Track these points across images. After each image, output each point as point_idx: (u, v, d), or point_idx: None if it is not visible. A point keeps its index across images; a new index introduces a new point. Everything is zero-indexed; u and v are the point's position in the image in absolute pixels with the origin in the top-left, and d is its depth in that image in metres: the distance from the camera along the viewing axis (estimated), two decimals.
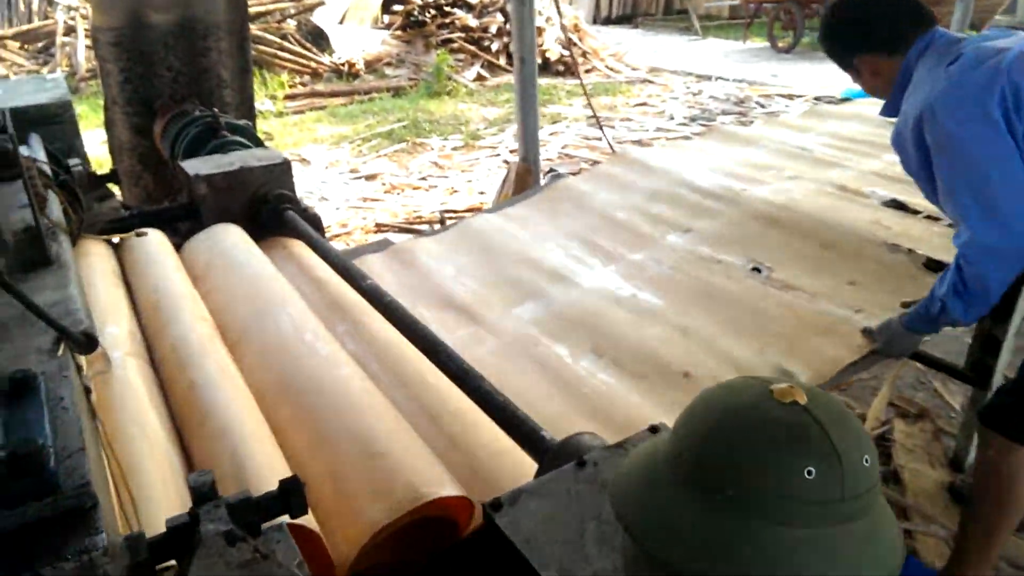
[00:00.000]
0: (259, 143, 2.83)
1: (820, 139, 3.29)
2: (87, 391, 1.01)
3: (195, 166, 2.30)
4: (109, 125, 3.21)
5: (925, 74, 1.51)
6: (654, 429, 1.04)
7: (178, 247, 2.13)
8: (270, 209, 2.27)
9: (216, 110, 2.84)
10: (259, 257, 2.00)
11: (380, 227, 4.13)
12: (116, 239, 2.02)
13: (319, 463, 1.21)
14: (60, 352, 0.94)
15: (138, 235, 1.71)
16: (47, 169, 1.53)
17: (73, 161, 1.89)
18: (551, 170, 4.58)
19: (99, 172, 1.91)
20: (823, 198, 2.60)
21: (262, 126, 6.48)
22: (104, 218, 1.94)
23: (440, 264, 2.46)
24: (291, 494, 0.83)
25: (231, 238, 2.12)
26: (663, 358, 1.84)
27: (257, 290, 1.79)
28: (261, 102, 7.09)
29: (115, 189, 2.33)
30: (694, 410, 0.73)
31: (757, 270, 2.22)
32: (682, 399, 1.64)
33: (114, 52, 3.02)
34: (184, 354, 1.48)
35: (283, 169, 2.37)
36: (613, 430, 1.52)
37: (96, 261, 1.89)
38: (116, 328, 1.57)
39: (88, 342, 1.00)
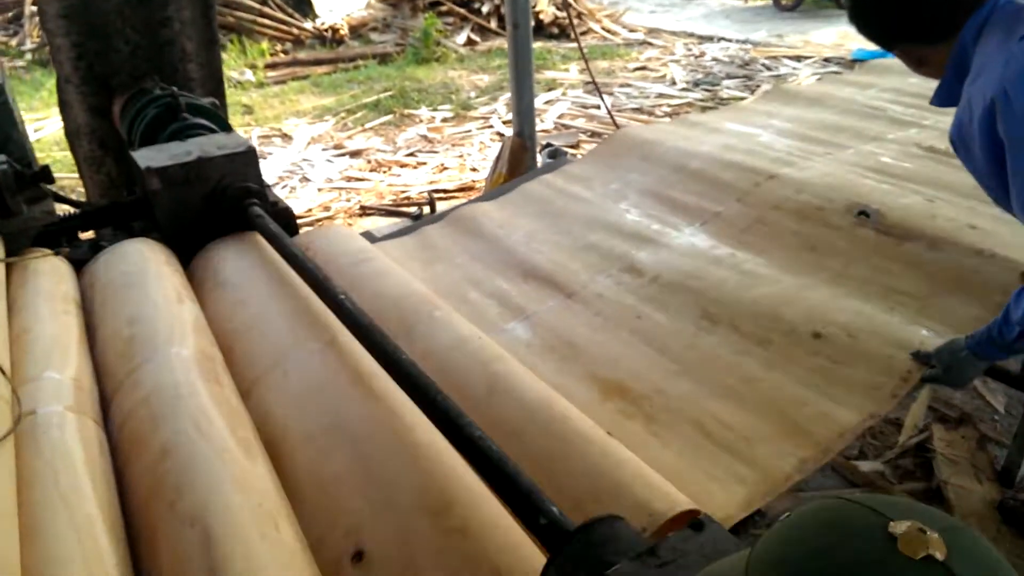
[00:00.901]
0: (225, 124, 2.55)
1: (887, 96, 3.04)
2: None
3: (148, 156, 2.03)
4: (63, 106, 2.93)
5: (993, 51, 1.18)
6: (697, 526, 0.80)
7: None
8: (232, 205, 2.01)
9: (176, 88, 2.55)
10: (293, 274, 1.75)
11: (365, 210, 3.85)
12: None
13: (385, 529, 1.01)
14: None
15: (57, 254, 1.45)
16: None
17: None
18: (547, 144, 4.30)
19: (27, 171, 1.65)
20: (914, 160, 2.37)
21: (242, 98, 6.16)
22: (36, 224, 1.68)
23: (507, 231, 2.28)
24: None
25: (256, 249, 1.85)
26: (786, 319, 1.67)
27: (294, 313, 1.52)
28: (241, 72, 6.75)
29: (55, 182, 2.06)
30: (779, 556, 0.49)
31: (865, 214, 1.99)
32: (819, 365, 1.53)
33: (64, 25, 2.72)
34: (160, 406, 1.20)
35: (247, 158, 2.10)
36: (751, 408, 1.44)
37: (44, 283, 1.60)
38: (57, 374, 1.30)
39: None
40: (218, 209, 2.03)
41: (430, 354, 1.43)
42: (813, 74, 6.11)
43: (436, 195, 3.92)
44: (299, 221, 3.75)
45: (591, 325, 1.79)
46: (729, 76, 6.36)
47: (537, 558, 0.94)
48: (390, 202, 3.96)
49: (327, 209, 3.92)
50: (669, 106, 5.64)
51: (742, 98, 5.63)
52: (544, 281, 2.00)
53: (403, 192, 4.10)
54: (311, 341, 1.43)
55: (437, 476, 1.08)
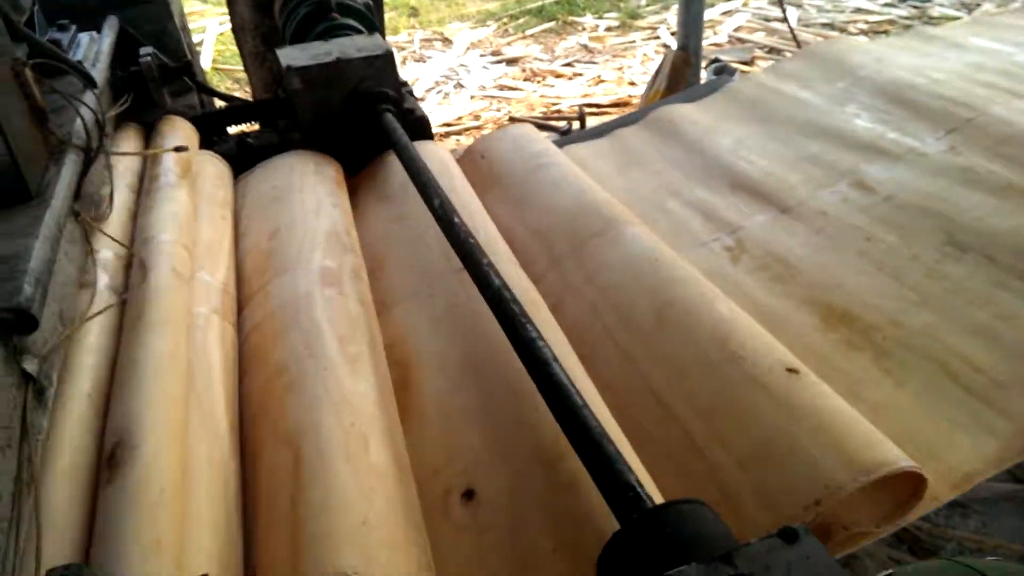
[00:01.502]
0: (374, 26, 2.51)
1: None
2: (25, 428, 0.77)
3: (290, 55, 2.03)
4: (230, 2, 3.02)
5: None
6: (789, 535, 0.67)
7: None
8: (367, 109, 1.98)
9: None
10: (464, 186, 1.71)
11: (514, 121, 3.75)
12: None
13: (499, 474, 0.99)
14: None
15: (177, 150, 1.47)
16: (78, 66, 1.31)
17: (144, 50, 1.67)
18: (715, 59, 3.94)
19: (171, 64, 1.69)
20: None
21: (409, 0, 6.15)
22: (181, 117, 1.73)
23: (712, 136, 2.10)
24: None
25: (430, 161, 1.82)
26: None
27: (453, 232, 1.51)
28: None
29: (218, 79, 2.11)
30: None
31: None
32: None
33: None
34: (282, 322, 1.20)
35: (385, 61, 2.04)
36: (1007, 349, 1.25)
37: (207, 185, 1.62)
38: (209, 276, 1.32)
39: (18, 321, 0.77)
40: (357, 112, 2.01)
41: (596, 276, 1.34)
42: None
43: (588, 110, 3.73)
44: (448, 129, 3.74)
45: (810, 244, 1.60)
46: None
47: None
48: (540, 115, 3.82)
49: (477, 118, 3.86)
50: (866, 23, 4.98)
51: (956, 17, 4.86)
52: (755, 193, 1.82)
53: (554, 104, 3.95)
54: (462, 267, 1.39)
55: (552, 425, 1.02)
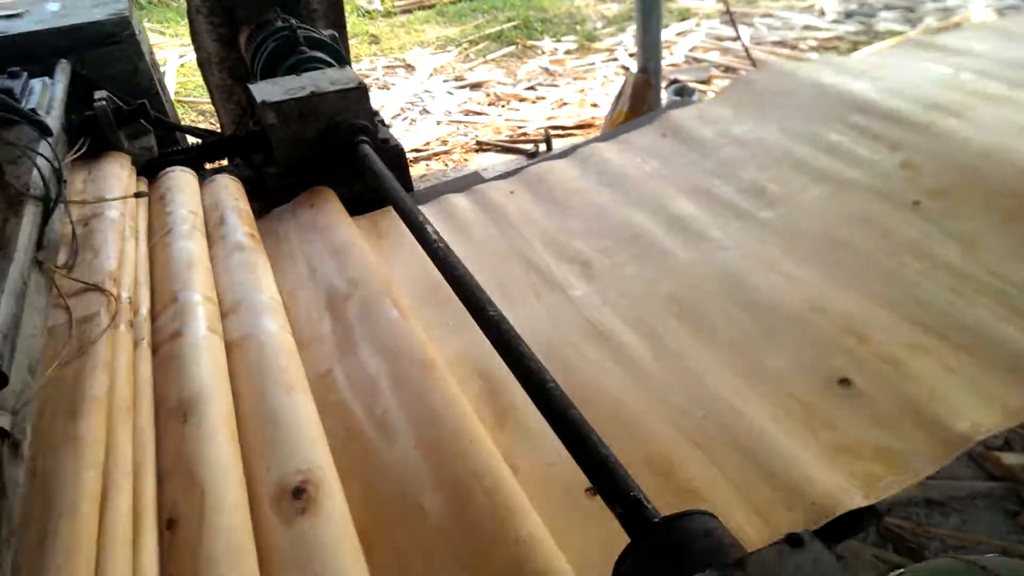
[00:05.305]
0: (342, 58, 2.53)
1: None
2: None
3: (263, 90, 2.05)
4: (195, 36, 3.01)
5: None
6: (795, 541, 0.70)
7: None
8: (343, 142, 2.00)
9: (294, 21, 2.55)
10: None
11: (481, 145, 3.79)
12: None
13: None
14: None
15: (137, 196, 1.47)
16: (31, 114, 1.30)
17: (99, 94, 1.65)
18: (674, 80, 4.05)
19: (125, 107, 1.67)
20: None
21: (369, 28, 6.19)
22: (139, 160, 1.72)
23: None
24: None
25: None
26: None
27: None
28: (369, 1, 6.76)
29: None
30: None
31: None
32: None
33: None
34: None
35: (358, 94, 2.07)
36: None
37: None
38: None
39: None
40: (331, 145, 2.03)
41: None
42: (987, 6, 5.39)
43: (553, 132, 3.79)
44: (417, 155, 3.77)
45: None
46: (887, 7, 5.72)
47: None
48: (507, 138, 3.87)
49: (444, 143, 3.89)
50: (816, 40, 5.15)
51: (901, 32, 5.06)
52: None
53: (520, 128, 4.00)
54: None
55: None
